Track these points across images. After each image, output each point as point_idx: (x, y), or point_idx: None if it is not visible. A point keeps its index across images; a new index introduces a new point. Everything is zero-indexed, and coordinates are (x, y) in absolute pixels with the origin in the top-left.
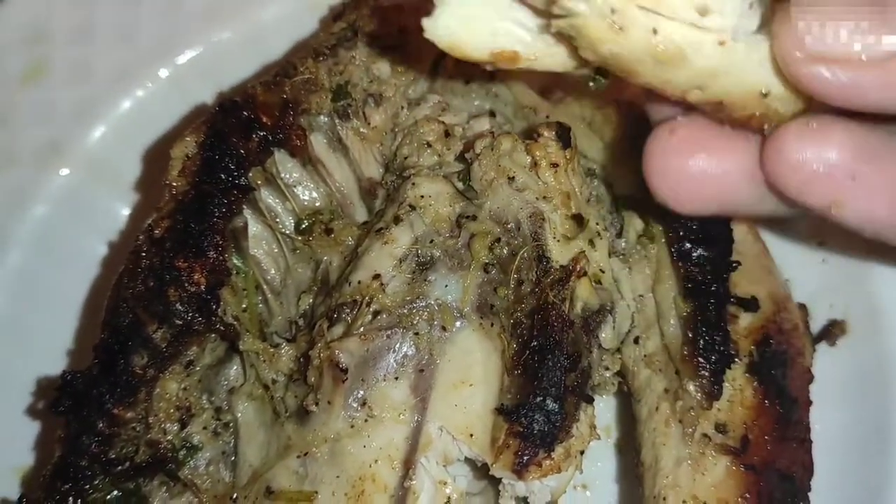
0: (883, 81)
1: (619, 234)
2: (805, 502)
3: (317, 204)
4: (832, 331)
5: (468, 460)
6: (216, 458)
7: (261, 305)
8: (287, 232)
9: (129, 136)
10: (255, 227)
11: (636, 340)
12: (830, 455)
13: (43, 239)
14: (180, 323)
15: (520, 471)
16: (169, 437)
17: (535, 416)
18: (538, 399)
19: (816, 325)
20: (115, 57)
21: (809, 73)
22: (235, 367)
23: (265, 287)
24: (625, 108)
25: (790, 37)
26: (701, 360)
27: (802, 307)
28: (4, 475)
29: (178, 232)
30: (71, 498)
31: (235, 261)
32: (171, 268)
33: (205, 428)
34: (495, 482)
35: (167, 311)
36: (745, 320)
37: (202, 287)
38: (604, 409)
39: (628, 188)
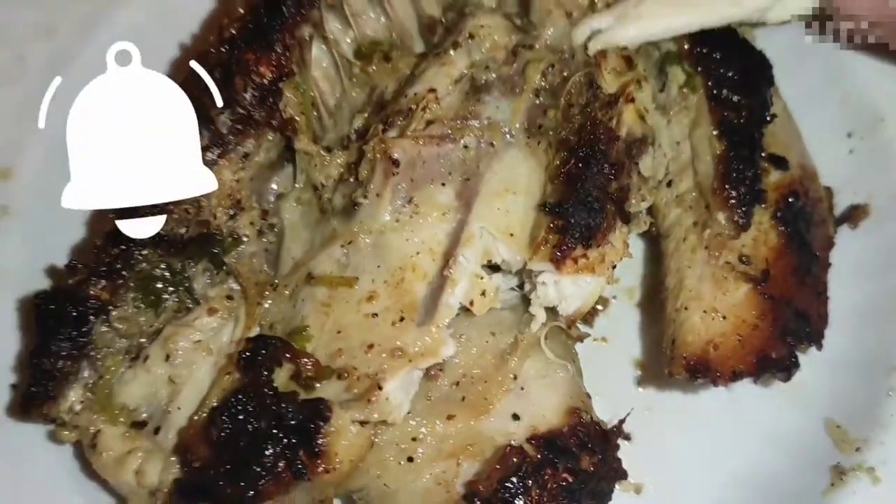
0: None
1: (662, 89)
2: (817, 346)
3: (377, 35)
4: (855, 214)
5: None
6: (259, 253)
7: (315, 122)
8: (347, 57)
9: None
10: (317, 49)
11: (669, 184)
12: (847, 324)
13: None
14: (242, 111)
15: (557, 262)
16: (217, 223)
17: (576, 212)
18: (581, 197)
19: (839, 210)
20: None
21: None
22: (284, 175)
23: (321, 105)
24: None
25: None
26: (732, 191)
27: (828, 189)
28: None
29: (249, 29)
30: (120, 263)
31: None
32: (239, 60)
33: (251, 223)
34: (526, 301)
35: (231, 98)
36: (774, 176)
37: (267, 78)
38: (628, 271)
39: (674, 44)
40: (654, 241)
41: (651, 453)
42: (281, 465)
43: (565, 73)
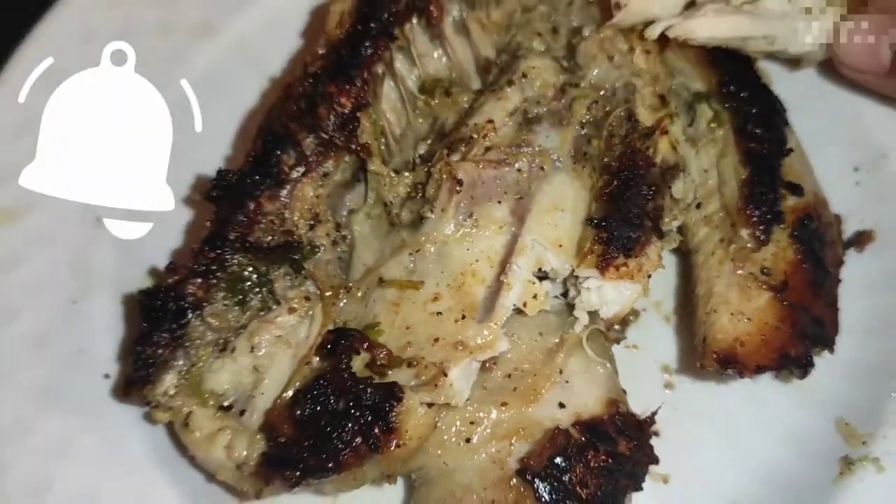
0: None
1: (691, 124)
2: (830, 350)
3: (439, 74)
4: (861, 238)
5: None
6: (333, 260)
7: (384, 147)
8: (413, 91)
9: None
10: (386, 84)
11: (698, 206)
12: (855, 334)
13: (209, 74)
14: (325, 136)
15: (602, 268)
16: (298, 233)
17: (618, 227)
18: (623, 214)
19: (847, 235)
20: None
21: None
22: (356, 194)
23: (389, 133)
24: None
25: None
26: (754, 211)
27: (837, 216)
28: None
29: (332, 65)
30: (214, 266)
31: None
32: (322, 92)
33: (327, 234)
34: (569, 307)
35: (316, 124)
36: (791, 201)
37: (347, 108)
38: (656, 286)
39: (704, 87)
40: (681, 258)
41: (677, 448)
42: (358, 439)
43: (607, 109)
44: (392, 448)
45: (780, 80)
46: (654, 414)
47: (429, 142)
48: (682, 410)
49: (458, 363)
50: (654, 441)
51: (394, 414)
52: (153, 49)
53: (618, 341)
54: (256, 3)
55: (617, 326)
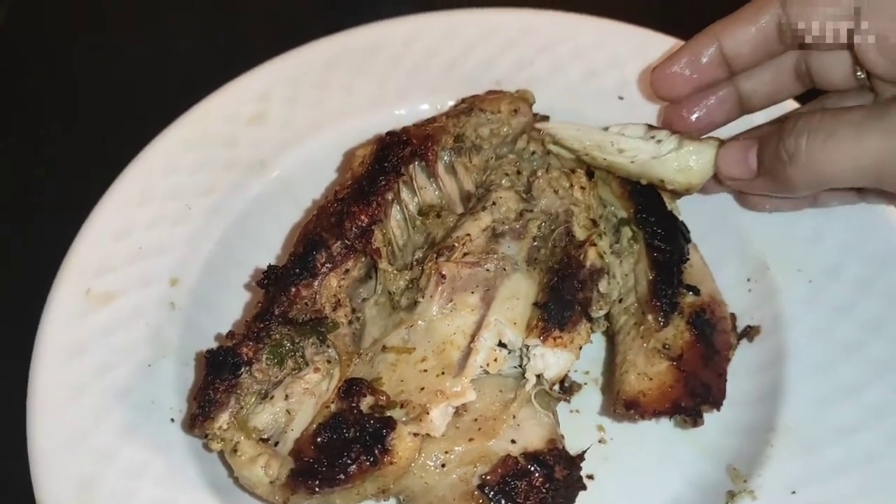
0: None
1: (617, 241)
2: (717, 408)
3: (433, 201)
4: (750, 331)
5: (510, 354)
6: (349, 335)
7: (390, 253)
8: (413, 213)
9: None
10: (394, 208)
11: (620, 301)
12: (742, 401)
13: (259, 207)
14: (348, 242)
15: (543, 338)
16: (325, 313)
17: (556, 308)
18: (559, 299)
19: (741, 328)
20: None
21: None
22: (368, 287)
23: (394, 243)
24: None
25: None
26: (657, 302)
27: (732, 315)
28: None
29: (355, 192)
30: (263, 333)
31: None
32: (348, 210)
33: (345, 315)
34: (522, 373)
35: (341, 234)
36: (689, 298)
37: (364, 223)
38: (594, 366)
39: (626, 214)
40: (611, 341)
41: (606, 486)
42: (362, 457)
43: (552, 227)
44: (387, 465)
45: (687, 213)
46: (583, 452)
47: (424, 249)
48: (611, 460)
49: (438, 406)
50: (589, 481)
51: (389, 439)
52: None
53: (559, 400)
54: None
55: (557, 387)
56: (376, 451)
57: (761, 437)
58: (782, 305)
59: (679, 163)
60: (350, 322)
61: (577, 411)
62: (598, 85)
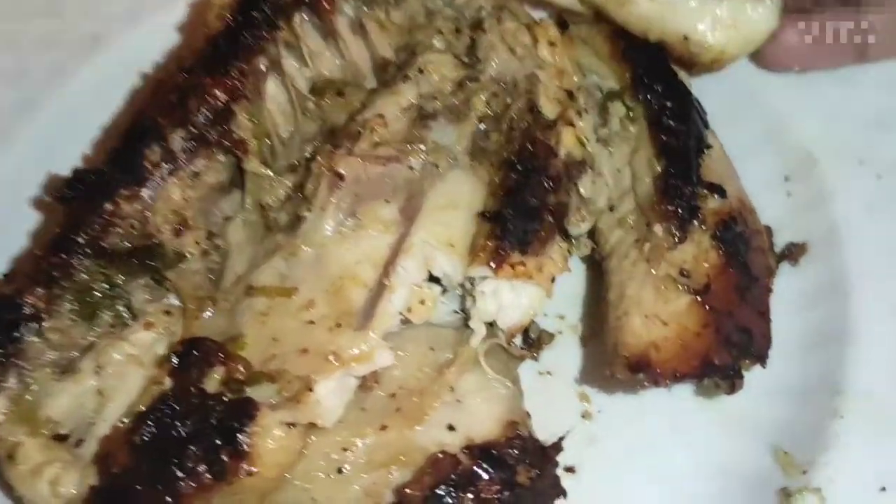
0: None
1: (604, 124)
2: (762, 364)
3: (332, 74)
4: (794, 251)
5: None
6: (201, 271)
7: (268, 152)
8: (302, 92)
9: None
10: (273, 84)
11: (611, 209)
12: (790, 352)
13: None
14: (195, 131)
15: (495, 265)
16: (161, 238)
17: (513, 218)
18: (519, 205)
19: (780, 249)
20: None
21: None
22: (232, 201)
23: (274, 135)
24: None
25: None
26: (669, 204)
27: (767, 228)
28: None
29: (208, 57)
30: (59, 273)
31: (251, 108)
32: (195, 84)
33: (196, 243)
34: (465, 320)
35: (186, 118)
36: (713, 203)
37: (221, 100)
38: (573, 307)
39: (618, 83)
40: (598, 271)
41: (594, 484)
42: (202, 467)
43: (508, 101)
44: (242, 477)
45: (701, 93)
46: (561, 439)
47: (316, 143)
48: (600, 442)
49: (328, 377)
50: (568, 478)
51: (245, 434)
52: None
53: (523, 359)
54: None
55: (519, 340)
56: (225, 456)
57: (822, 404)
58: (838, 213)
59: (727, 10)
60: (205, 252)
61: (549, 374)
62: None
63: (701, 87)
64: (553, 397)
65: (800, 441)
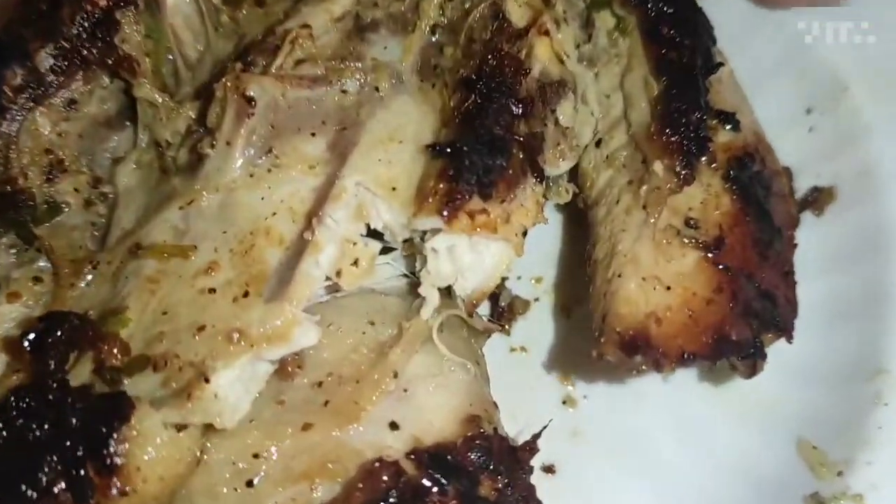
0: None
1: (589, 39)
2: (787, 337)
3: None
4: (819, 197)
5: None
6: (82, 226)
7: (170, 77)
8: (213, 2)
9: None
10: None
11: (598, 144)
12: (818, 323)
13: None
14: (68, 45)
15: (448, 215)
16: (29, 185)
17: (472, 153)
18: (479, 135)
19: (801, 195)
20: None
21: None
22: (125, 137)
23: (178, 57)
24: None
25: None
26: (671, 135)
27: (787, 170)
28: None
29: None
30: None
31: (147, 19)
32: None
33: (77, 191)
34: (416, 288)
35: (56, 30)
36: (724, 136)
37: (100, 6)
38: (553, 266)
39: None
40: (582, 222)
41: (579, 489)
42: (60, 484)
43: (466, 6)
44: (114, 497)
45: (707, 6)
46: (536, 437)
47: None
48: (585, 436)
49: (230, 362)
50: (546, 479)
51: (117, 441)
52: None
53: (489, 333)
54: None
55: (485, 310)
56: (89, 471)
57: (860, 387)
58: (873, 151)
59: None
60: (88, 202)
61: (524, 350)
62: None
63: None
64: (528, 380)
65: (833, 434)
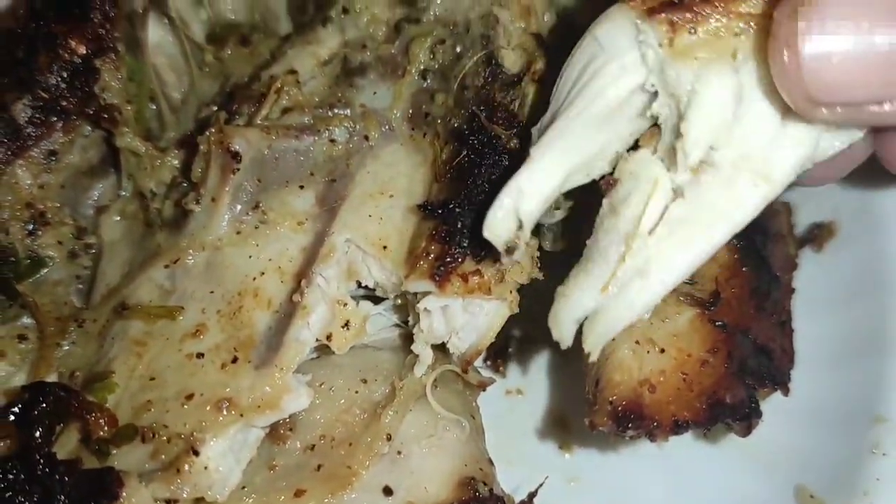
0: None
1: None
2: (783, 390)
3: (236, 16)
4: (819, 233)
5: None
6: (66, 281)
7: (154, 121)
8: (197, 41)
9: None
10: (160, 32)
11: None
12: (816, 365)
13: None
14: (46, 96)
15: (440, 279)
16: (10, 240)
17: (465, 213)
18: (472, 193)
19: (800, 231)
20: None
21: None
22: (109, 185)
23: (162, 99)
24: None
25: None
26: None
27: (785, 205)
28: None
29: None
30: None
31: (129, 61)
32: (46, 33)
33: (60, 243)
34: (409, 341)
35: (33, 80)
36: None
37: (79, 54)
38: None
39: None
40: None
41: None
42: None
43: (458, 50)
44: None
45: None
46: (532, 496)
47: (215, 108)
48: (582, 483)
49: (221, 433)
50: None
51: None
52: None
53: (484, 387)
54: None
55: (486, 368)
56: None
57: (858, 434)
58: (874, 183)
59: None
60: (72, 255)
61: (519, 393)
62: None
63: None
64: (523, 425)
65: (832, 482)
